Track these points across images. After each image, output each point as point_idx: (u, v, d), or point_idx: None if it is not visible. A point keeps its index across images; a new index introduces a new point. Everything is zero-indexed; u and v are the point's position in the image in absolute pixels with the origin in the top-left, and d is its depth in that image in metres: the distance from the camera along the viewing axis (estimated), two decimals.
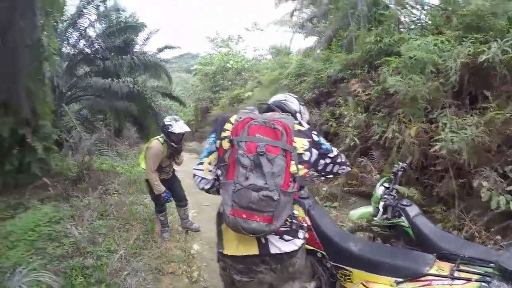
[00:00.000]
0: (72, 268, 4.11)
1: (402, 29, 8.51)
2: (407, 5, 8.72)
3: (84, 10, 14.14)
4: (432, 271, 2.07)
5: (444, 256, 2.32)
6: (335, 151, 2.20)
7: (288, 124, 1.85)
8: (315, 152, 2.06)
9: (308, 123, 2.30)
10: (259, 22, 21.47)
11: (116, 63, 14.70)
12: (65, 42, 14.15)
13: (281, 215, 1.75)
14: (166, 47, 19.71)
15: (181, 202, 5.50)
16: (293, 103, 2.36)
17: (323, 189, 7.01)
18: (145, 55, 16.64)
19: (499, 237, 4.08)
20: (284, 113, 2.07)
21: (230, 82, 19.08)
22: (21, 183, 7.23)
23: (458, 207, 4.71)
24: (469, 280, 1.97)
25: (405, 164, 3.45)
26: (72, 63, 14.54)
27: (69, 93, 14.90)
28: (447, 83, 5.34)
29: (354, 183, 6.59)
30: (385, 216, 3.05)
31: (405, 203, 3.14)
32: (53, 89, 11.94)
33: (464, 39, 5.36)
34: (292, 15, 13.31)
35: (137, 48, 17.80)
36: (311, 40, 15.17)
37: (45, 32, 8.09)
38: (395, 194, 3.15)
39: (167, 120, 5.01)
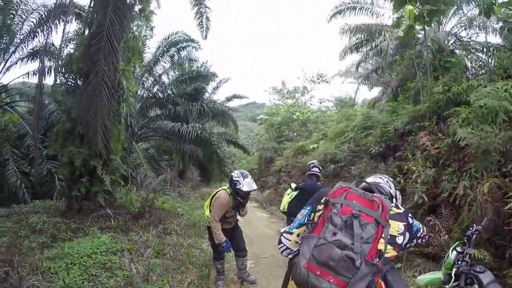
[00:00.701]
0: None
1: (469, 76, 8.31)
2: (473, 49, 8.55)
3: (160, 58, 16.34)
4: None
5: None
6: (421, 229, 2.24)
7: (385, 202, 1.89)
8: (407, 235, 2.06)
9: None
10: (325, 72, 21.83)
11: (186, 108, 16.45)
12: (140, 86, 16.12)
13: (356, 285, 1.68)
14: (235, 96, 21.17)
15: (241, 252, 5.57)
16: (390, 187, 2.42)
17: None
18: (215, 103, 18.20)
19: None
20: (382, 195, 2.15)
21: (295, 133, 19.49)
22: (85, 210, 8.01)
23: None
24: None
25: (479, 227, 3.19)
26: (145, 105, 16.67)
27: (139, 132, 16.74)
28: None
29: (421, 243, 6.17)
30: (456, 283, 2.83)
31: (478, 269, 2.84)
32: (126, 128, 13.31)
33: None
34: (357, 67, 13.57)
35: (206, 96, 19.38)
36: (376, 91, 15.34)
37: (125, 76, 9.35)
38: (469, 260, 2.90)
39: (236, 175, 5.17)
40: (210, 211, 5.23)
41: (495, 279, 2.90)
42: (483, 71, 8.41)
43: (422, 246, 6.07)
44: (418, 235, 2.18)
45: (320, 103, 22.68)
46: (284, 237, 2.11)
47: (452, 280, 2.83)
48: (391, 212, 1.92)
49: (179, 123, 16.07)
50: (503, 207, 4.82)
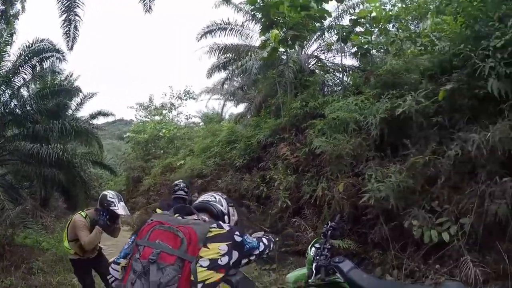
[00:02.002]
0: None
1: (326, 92, 9.06)
2: (331, 70, 9.41)
3: (20, 69, 13.27)
4: None
5: None
6: (262, 246, 2.09)
7: (196, 231, 1.73)
8: (235, 253, 1.89)
9: (236, 223, 2.24)
10: (192, 89, 21.29)
11: (46, 127, 13.50)
12: None
13: None
14: (100, 113, 18.95)
15: (108, 281, 4.79)
16: (222, 204, 2.22)
17: None
18: (77, 120, 15.78)
19: (438, 266, 4.19)
20: (204, 217, 1.96)
21: (162, 151, 18.59)
22: None
23: (394, 249, 4.72)
24: None
25: (333, 223, 3.36)
26: (1, 123, 13.33)
27: None
28: (369, 138, 5.65)
29: (290, 243, 6.39)
30: (318, 276, 2.92)
31: (337, 260, 3.02)
32: None
33: (381, 96, 5.81)
34: (223, 84, 13.70)
35: (69, 113, 16.93)
36: (242, 107, 15.68)
37: None
38: (328, 254, 3.03)
39: (111, 195, 4.52)
40: (69, 241, 4.47)
41: (355, 265, 3.05)
42: (339, 88, 9.25)
43: (293, 244, 6.29)
44: (256, 252, 2.04)
45: (187, 119, 22.26)
46: (112, 267, 1.92)
47: (314, 274, 2.94)
48: (209, 235, 1.80)
49: (39, 144, 13.39)
50: (358, 201, 5.18)
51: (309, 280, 3.03)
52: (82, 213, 4.48)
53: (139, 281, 1.60)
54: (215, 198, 2.22)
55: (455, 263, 4.05)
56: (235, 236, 1.90)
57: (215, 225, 1.87)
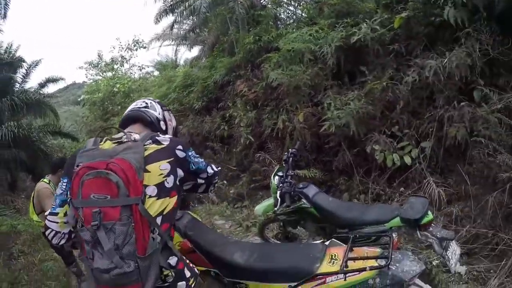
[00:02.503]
0: None
1: (279, 26, 8.63)
2: (283, 3, 8.91)
3: None
4: (323, 266, 1.82)
5: (341, 238, 2.10)
6: (210, 170, 1.73)
7: (130, 161, 1.36)
8: (180, 171, 1.56)
9: (176, 130, 1.94)
10: (141, 38, 19.20)
11: None
12: None
13: (149, 277, 1.38)
14: (49, 80, 17.21)
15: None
16: (155, 109, 1.83)
17: (231, 192, 6.72)
18: (27, 93, 14.31)
19: (402, 188, 4.27)
20: (134, 136, 1.57)
21: (119, 107, 17.37)
22: None
23: (359, 174, 4.77)
24: (363, 269, 1.71)
25: (294, 150, 3.29)
26: None
27: None
28: (325, 67, 5.46)
29: (258, 178, 6.33)
30: (285, 204, 2.86)
31: (301, 185, 3.05)
32: None
33: (336, 25, 5.52)
34: (172, 28, 12.71)
35: (17, 87, 15.15)
36: (197, 50, 14.74)
37: None
38: (291, 180, 2.99)
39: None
40: (38, 214, 4.13)
41: (320, 189, 3.09)
42: (292, 21, 8.86)
43: (261, 179, 6.25)
44: (204, 176, 1.71)
45: (141, 70, 20.68)
46: (49, 220, 1.52)
47: (279, 202, 2.88)
48: (147, 153, 1.47)
49: None
50: (319, 130, 5.11)
51: (275, 209, 2.99)
52: (45, 180, 4.17)
53: (97, 252, 1.32)
54: (147, 104, 1.85)
55: (418, 185, 4.13)
56: (177, 151, 1.57)
57: (149, 141, 1.54)
